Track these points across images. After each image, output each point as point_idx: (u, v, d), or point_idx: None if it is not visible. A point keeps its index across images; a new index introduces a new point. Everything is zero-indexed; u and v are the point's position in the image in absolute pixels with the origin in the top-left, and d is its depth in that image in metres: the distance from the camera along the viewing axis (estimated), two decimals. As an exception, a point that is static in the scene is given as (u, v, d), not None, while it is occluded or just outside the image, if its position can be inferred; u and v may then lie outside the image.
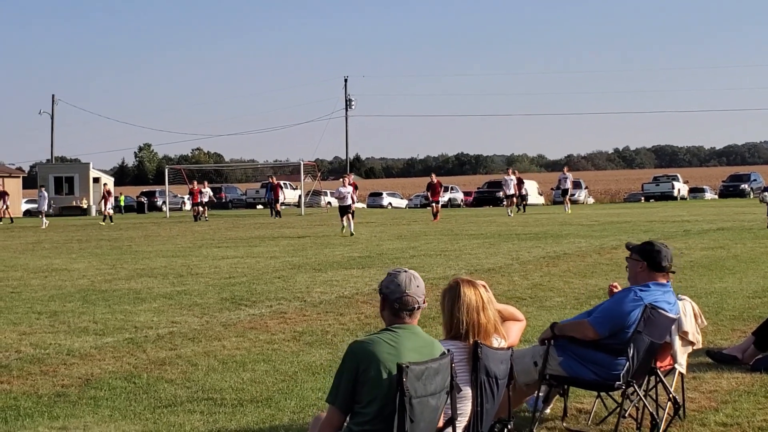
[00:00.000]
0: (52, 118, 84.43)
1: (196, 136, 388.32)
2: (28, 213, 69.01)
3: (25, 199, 71.57)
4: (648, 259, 7.01)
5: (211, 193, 53.08)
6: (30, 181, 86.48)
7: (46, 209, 45.52)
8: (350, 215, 31.37)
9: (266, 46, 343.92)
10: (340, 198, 32.22)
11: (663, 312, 6.79)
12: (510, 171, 47.68)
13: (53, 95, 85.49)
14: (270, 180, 55.52)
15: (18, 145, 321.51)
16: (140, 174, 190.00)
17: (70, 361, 10.11)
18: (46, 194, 47.45)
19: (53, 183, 66.62)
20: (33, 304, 14.87)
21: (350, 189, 32.18)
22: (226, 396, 8.43)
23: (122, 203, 73.06)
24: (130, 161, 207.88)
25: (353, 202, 32.87)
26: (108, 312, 13.76)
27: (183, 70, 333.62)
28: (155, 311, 13.78)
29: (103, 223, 45.55)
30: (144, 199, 76.43)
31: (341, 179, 34.11)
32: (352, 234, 30.49)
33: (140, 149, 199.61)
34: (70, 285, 17.50)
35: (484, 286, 5.69)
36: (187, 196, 71.71)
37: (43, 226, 43.34)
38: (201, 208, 49.77)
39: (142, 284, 17.34)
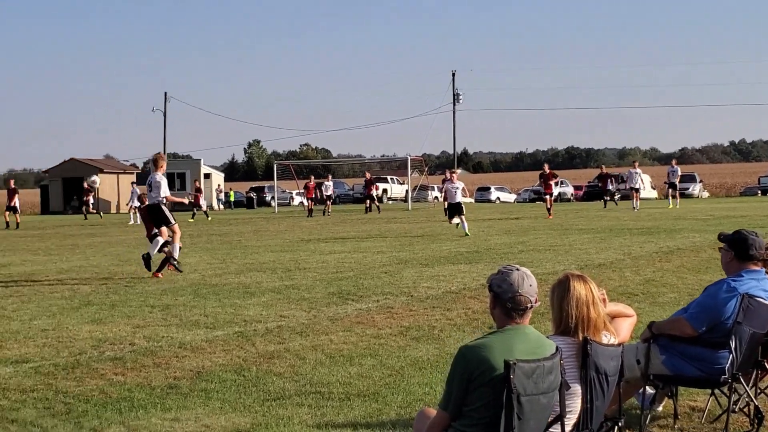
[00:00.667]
0: (164, 115, 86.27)
1: (304, 131, 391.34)
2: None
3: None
4: (736, 248, 6.85)
5: (331, 189, 53.45)
6: (143, 177, 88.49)
7: (137, 205, 46.39)
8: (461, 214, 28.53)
9: (374, 41, 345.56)
10: (450, 195, 29.24)
11: (761, 300, 6.62)
12: (635, 164, 46.82)
13: (165, 93, 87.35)
14: (366, 176, 55.66)
15: (132, 142, 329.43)
16: (250, 170, 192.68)
17: (182, 354, 10.29)
18: (138, 191, 48.39)
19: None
20: (146, 297, 15.19)
21: (460, 185, 29.51)
22: (334, 390, 8.47)
23: (232, 198, 74.24)
24: (240, 157, 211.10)
25: (464, 196, 31.39)
26: (218, 306, 13.97)
27: (291, 66, 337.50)
28: (264, 305, 13.94)
29: (208, 219, 46.29)
30: (253, 195, 77.50)
31: (449, 174, 32.87)
32: (467, 234, 28.00)
33: (250, 145, 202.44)
34: (181, 279, 17.82)
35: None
36: (297, 191, 72.72)
37: (131, 222, 43.97)
38: (328, 202, 50.82)
39: (252, 279, 17.56)
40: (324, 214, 49.00)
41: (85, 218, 53.21)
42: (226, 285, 16.62)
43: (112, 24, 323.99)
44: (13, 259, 23.74)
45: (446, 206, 30.26)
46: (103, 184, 68.67)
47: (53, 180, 71.71)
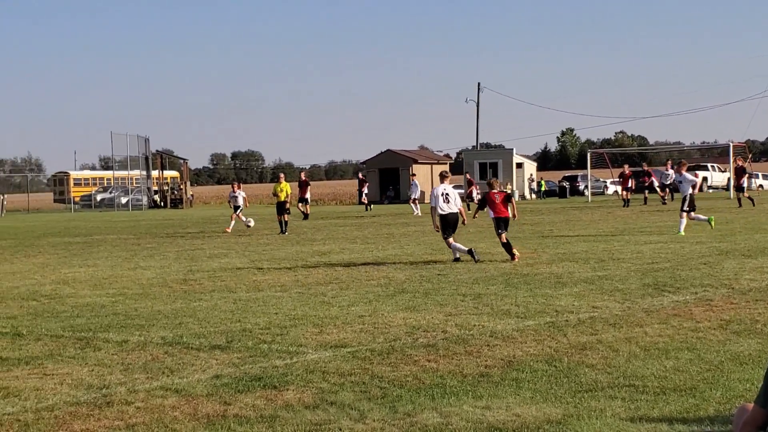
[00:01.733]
0: (477, 105, 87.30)
1: (618, 119, 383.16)
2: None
3: (452, 185, 74.56)
4: None
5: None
6: (457, 167, 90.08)
7: (417, 197, 46.78)
8: None
9: (696, 21, 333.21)
10: None
11: None
12: None
13: (479, 83, 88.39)
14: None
15: (445, 133, 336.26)
16: (562, 158, 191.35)
17: (493, 343, 10.33)
18: (417, 183, 48.95)
19: (478, 169, 68.77)
20: (458, 286, 15.40)
21: None
22: (648, 384, 8.20)
23: (543, 188, 74.04)
24: (553, 146, 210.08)
25: None
26: (529, 295, 13.94)
27: (604, 56, 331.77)
28: (576, 296, 13.76)
29: (366, 212, 46.05)
30: (566, 184, 76.91)
31: None
32: None
33: (563, 134, 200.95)
34: (493, 268, 17.94)
35: None
36: (612, 180, 71.45)
37: (415, 213, 44.15)
38: (664, 193, 48.86)
39: (563, 268, 17.40)
40: (626, 204, 47.62)
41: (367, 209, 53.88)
42: (538, 275, 16.56)
43: (424, 18, 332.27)
44: (333, 247, 24.84)
45: None
46: (418, 174, 70.64)
47: (370, 170, 74.44)
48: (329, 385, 8.51)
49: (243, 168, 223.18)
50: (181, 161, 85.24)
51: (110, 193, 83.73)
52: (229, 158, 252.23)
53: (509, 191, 65.97)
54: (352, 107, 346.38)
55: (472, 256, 19.20)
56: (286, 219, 32.34)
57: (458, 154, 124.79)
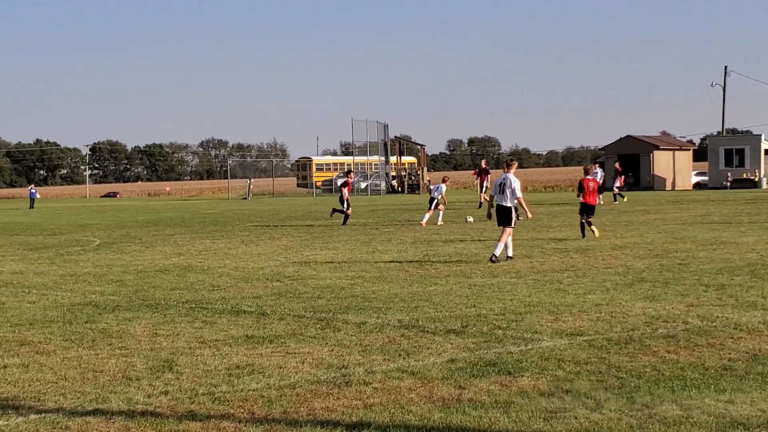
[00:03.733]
0: (723, 89, 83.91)
1: None
2: (697, 186, 69.58)
3: (694, 172, 72.19)
4: None
5: None
6: (700, 154, 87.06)
7: (618, 185, 45.09)
8: None
9: None
10: None
11: None
12: None
13: (726, 67, 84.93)
14: None
15: (689, 118, 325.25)
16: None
17: (737, 335, 9.94)
18: (601, 172, 46.78)
19: (723, 155, 66.19)
20: (701, 276, 14.90)
21: None
22: None
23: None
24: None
25: None
26: (777, 287, 13.31)
27: None
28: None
29: (616, 202, 43.76)
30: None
31: None
32: None
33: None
34: (738, 258, 17.25)
35: None
36: None
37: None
38: None
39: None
40: None
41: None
42: (787, 266, 15.77)
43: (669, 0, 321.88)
44: (569, 234, 24.52)
45: None
46: (659, 160, 68.65)
47: (609, 157, 72.93)
48: (565, 373, 8.42)
49: (479, 154, 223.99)
50: (419, 147, 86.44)
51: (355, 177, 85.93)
52: (465, 144, 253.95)
53: (754, 178, 63.19)
54: (591, 92, 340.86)
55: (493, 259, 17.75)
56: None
57: (702, 140, 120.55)
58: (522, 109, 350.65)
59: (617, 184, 45.73)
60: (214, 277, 16.77)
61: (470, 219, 32.15)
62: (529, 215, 19.76)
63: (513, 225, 18.21)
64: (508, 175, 18.29)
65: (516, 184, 18.10)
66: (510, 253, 18.24)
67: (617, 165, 49.48)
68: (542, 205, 41.03)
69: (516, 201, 18.13)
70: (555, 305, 12.31)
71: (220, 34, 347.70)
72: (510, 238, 18.20)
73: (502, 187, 18.22)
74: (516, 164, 18.95)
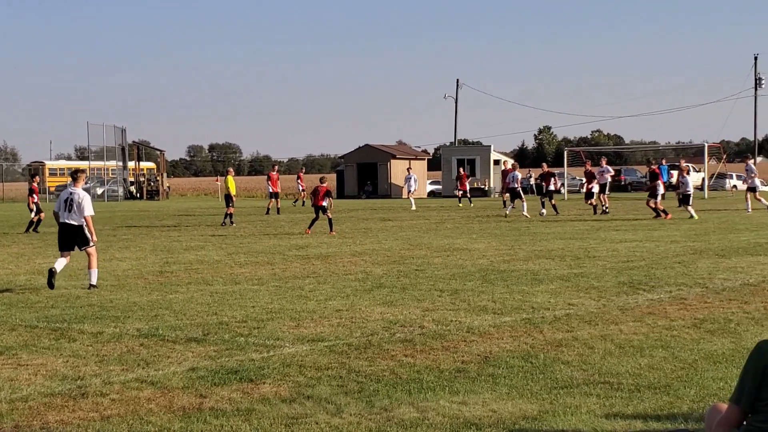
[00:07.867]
0: (456, 101, 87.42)
1: (595, 117, 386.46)
2: (432, 194, 72.02)
3: (429, 181, 74.66)
4: None
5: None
6: (434, 163, 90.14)
7: (412, 190, 46.86)
8: None
9: (672, 25, 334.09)
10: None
11: None
12: None
13: (458, 80, 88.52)
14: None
15: (424, 129, 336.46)
16: (539, 156, 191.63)
17: (469, 338, 10.37)
18: (414, 176, 48.85)
19: (455, 165, 68.85)
20: (436, 281, 15.43)
21: None
22: (623, 381, 8.25)
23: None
24: (530, 143, 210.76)
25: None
26: (506, 292, 13.98)
27: (582, 55, 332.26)
28: (552, 293, 13.81)
29: (460, 205, 46.01)
30: (540, 181, 77.01)
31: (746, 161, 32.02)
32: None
33: (540, 131, 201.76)
34: (470, 264, 17.98)
35: None
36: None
37: (413, 208, 43.99)
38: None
39: (540, 265, 17.46)
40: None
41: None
42: (514, 271, 16.61)
43: (404, 10, 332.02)
44: (311, 241, 24.81)
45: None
46: (396, 169, 70.57)
47: (348, 165, 74.30)
48: (306, 379, 8.51)
49: (220, 160, 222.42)
50: (158, 152, 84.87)
51: (86, 183, 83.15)
52: (206, 150, 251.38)
53: (485, 187, 66.17)
54: (330, 101, 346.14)
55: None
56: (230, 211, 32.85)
57: (436, 149, 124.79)
58: (262, 114, 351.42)
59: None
60: (-62, 287, 15.80)
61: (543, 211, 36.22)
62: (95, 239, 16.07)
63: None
64: (76, 189, 15.85)
65: (86, 200, 15.64)
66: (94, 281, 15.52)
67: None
68: (284, 213, 41.22)
69: (84, 219, 15.61)
70: (297, 311, 12.42)
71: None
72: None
73: (68, 203, 15.61)
74: (83, 176, 16.48)
